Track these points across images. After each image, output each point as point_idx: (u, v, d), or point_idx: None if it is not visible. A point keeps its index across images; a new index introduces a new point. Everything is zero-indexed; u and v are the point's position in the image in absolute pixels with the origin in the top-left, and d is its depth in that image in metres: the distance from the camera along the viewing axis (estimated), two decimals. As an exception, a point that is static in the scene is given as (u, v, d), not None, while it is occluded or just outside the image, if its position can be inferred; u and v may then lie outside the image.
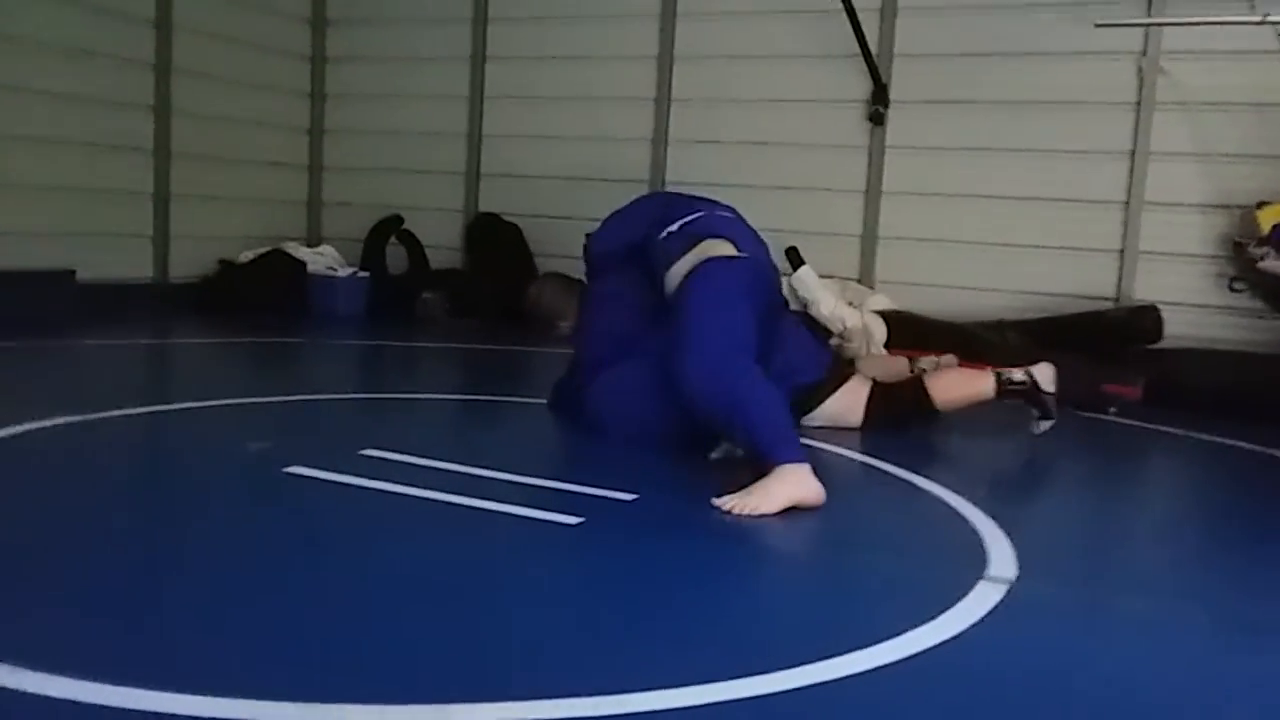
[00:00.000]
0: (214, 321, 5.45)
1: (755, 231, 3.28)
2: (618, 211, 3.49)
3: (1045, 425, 3.31)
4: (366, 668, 1.48)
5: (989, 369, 3.37)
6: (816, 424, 3.31)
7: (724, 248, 3.04)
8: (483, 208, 6.31)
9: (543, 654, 1.58)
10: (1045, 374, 3.31)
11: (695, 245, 3.05)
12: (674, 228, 3.15)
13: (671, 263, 3.07)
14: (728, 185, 5.54)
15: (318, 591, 1.79)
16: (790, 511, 2.36)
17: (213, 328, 5.32)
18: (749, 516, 2.32)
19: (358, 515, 2.25)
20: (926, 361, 3.77)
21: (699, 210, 3.23)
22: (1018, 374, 3.29)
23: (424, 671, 1.48)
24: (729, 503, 2.35)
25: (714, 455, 2.86)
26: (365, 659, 1.51)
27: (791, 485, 2.38)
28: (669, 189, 5.78)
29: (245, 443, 2.75)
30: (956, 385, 3.36)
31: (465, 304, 5.93)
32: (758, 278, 3.06)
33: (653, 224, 3.24)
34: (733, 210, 3.35)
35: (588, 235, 3.51)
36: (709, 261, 2.99)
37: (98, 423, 2.90)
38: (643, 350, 3.09)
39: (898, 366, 3.78)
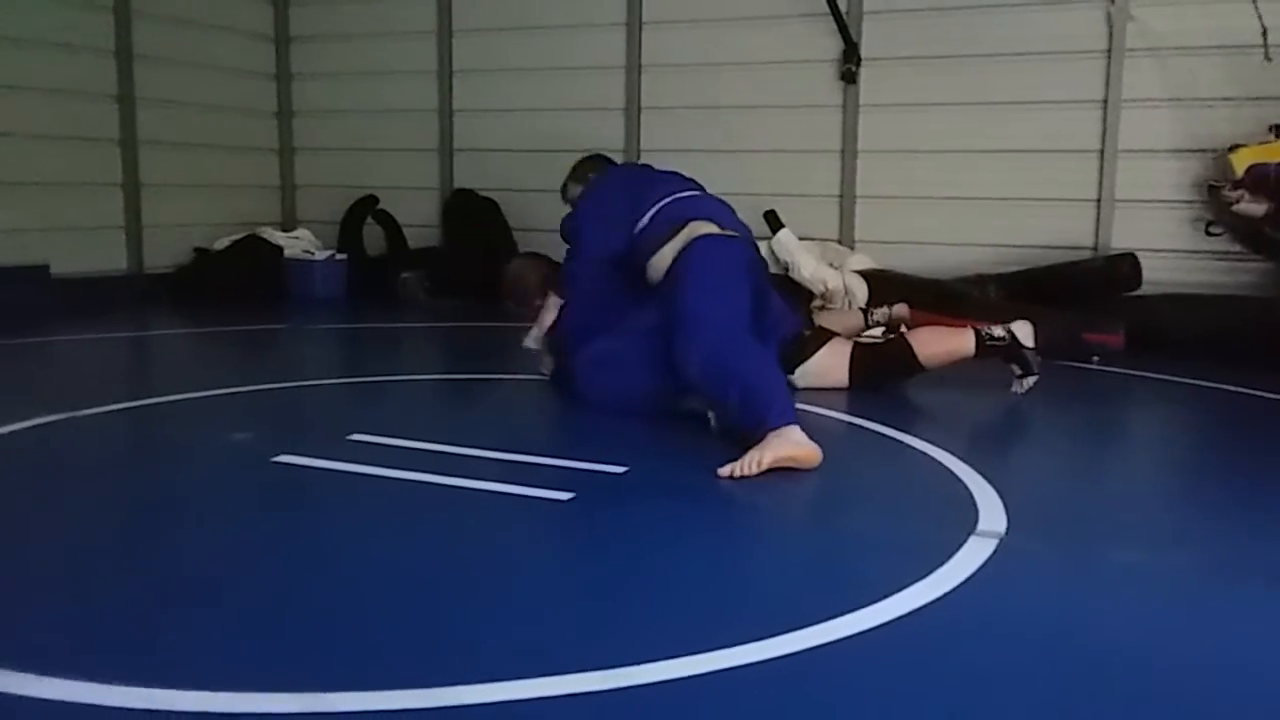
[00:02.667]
0: (192, 311, 5.41)
1: (729, 206, 3.30)
2: (589, 216, 3.38)
3: (1028, 383, 3.34)
4: (364, 654, 1.49)
5: (969, 325, 3.39)
6: (802, 384, 3.32)
7: (709, 227, 3.06)
8: (458, 184, 6.26)
9: (543, 632, 1.58)
10: (1024, 330, 3.34)
11: (679, 229, 3.07)
12: (645, 220, 3.17)
13: (655, 249, 3.09)
14: (703, 150, 5.54)
15: (313, 580, 1.79)
16: (785, 473, 2.38)
17: (191, 317, 5.28)
18: (739, 478, 2.36)
19: (349, 501, 2.25)
20: (879, 313, 3.85)
21: (668, 194, 3.24)
22: (997, 330, 3.33)
23: (422, 654, 1.48)
24: (725, 470, 2.39)
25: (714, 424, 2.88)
26: (363, 645, 1.52)
27: (776, 447, 2.41)
28: (643, 157, 5.76)
29: (230, 435, 2.74)
30: (939, 341, 3.38)
31: (445, 282, 5.89)
32: (748, 256, 3.10)
33: (628, 220, 3.22)
34: (698, 186, 3.39)
35: (565, 220, 3.50)
36: (698, 240, 3.01)
37: (81, 420, 2.88)
38: (628, 325, 3.11)
39: (853, 319, 3.81)
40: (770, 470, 2.39)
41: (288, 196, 6.66)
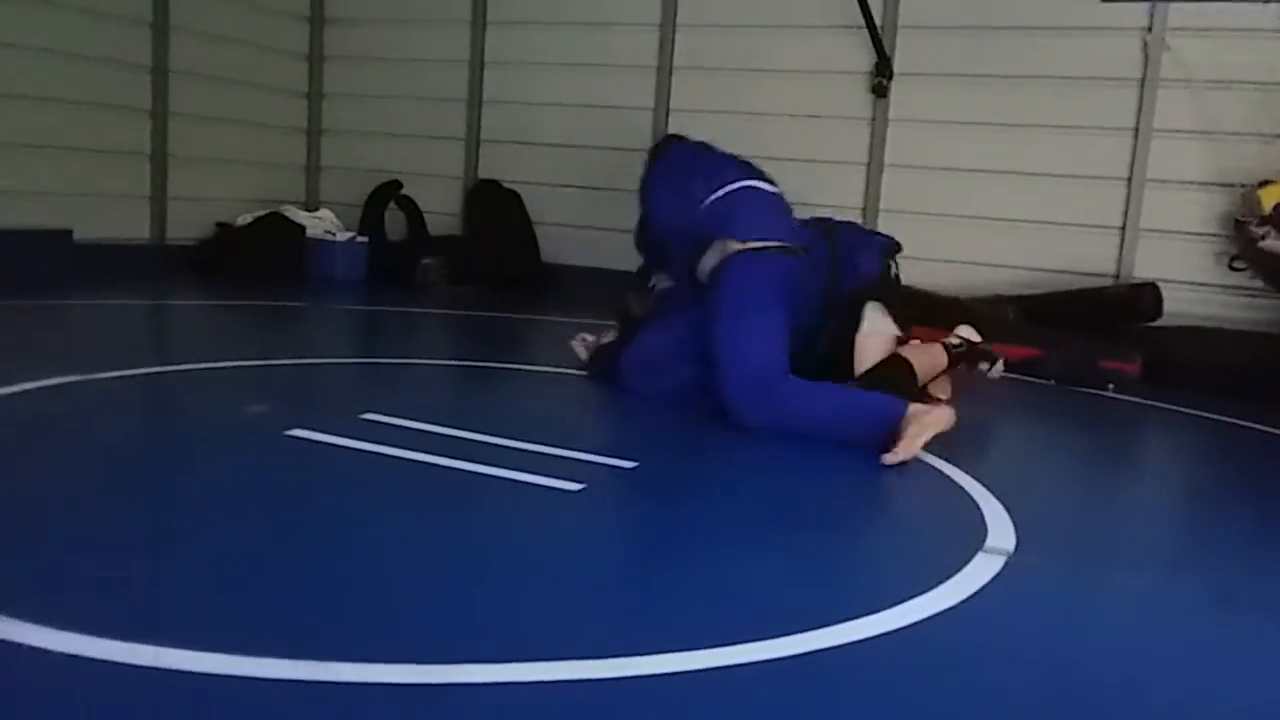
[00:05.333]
0: (211, 284, 5.43)
1: (782, 200, 3.28)
2: (654, 198, 3.36)
3: (998, 368, 3.43)
4: (368, 627, 1.49)
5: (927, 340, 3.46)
6: None
7: (741, 243, 3.05)
8: (483, 174, 6.28)
9: (545, 617, 1.58)
10: (970, 332, 3.47)
11: (716, 238, 3.07)
12: (702, 208, 3.14)
13: (703, 250, 3.09)
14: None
15: (320, 553, 1.79)
16: (797, 479, 2.37)
17: (210, 290, 5.31)
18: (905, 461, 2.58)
19: (360, 478, 2.25)
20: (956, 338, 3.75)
21: (724, 184, 3.20)
22: (953, 339, 3.42)
23: (425, 632, 1.48)
24: (888, 458, 2.59)
25: None
26: (367, 619, 1.52)
27: (920, 426, 2.60)
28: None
29: (244, 406, 2.76)
30: (927, 357, 3.38)
31: (464, 271, 5.91)
32: (788, 267, 3.07)
33: (689, 204, 3.20)
34: (754, 172, 3.34)
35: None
36: (736, 256, 3.02)
37: (97, 383, 2.89)
38: (671, 317, 3.18)
39: (938, 359, 3.50)
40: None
41: (312, 177, 6.69)
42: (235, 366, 3.30)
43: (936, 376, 3.37)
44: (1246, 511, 2.59)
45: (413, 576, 1.71)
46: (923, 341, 3.45)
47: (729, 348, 2.90)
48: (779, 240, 3.11)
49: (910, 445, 2.57)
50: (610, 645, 1.47)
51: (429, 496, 2.16)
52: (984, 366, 3.46)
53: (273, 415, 2.67)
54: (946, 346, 3.44)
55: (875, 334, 3.29)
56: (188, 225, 5.78)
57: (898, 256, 3.46)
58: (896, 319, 3.38)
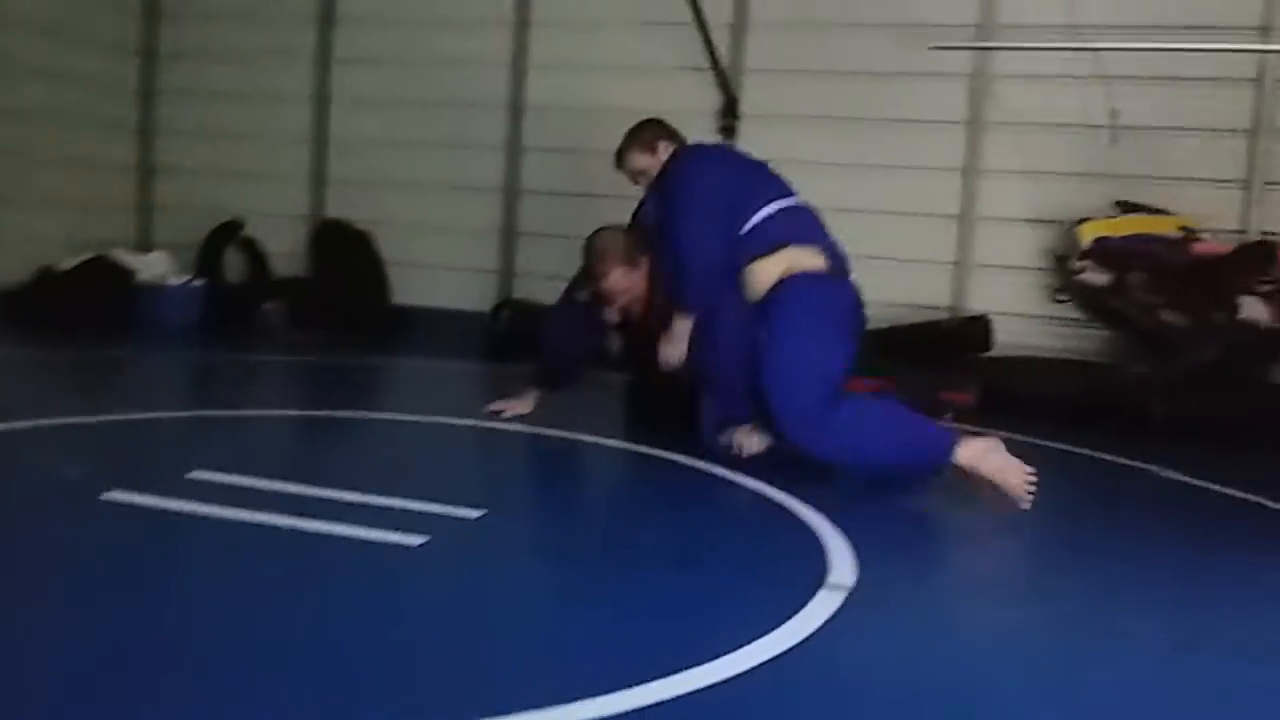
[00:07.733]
0: (31, 333, 5.08)
1: (825, 228, 3.13)
2: (700, 204, 3.04)
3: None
4: (195, 702, 1.39)
5: None
6: None
7: (810, 259, 2.94)
8: (331, 214, 6.10)
9: (385, 681, 1.51)
10: None
11: (778, 250, 2.94)
12: (748, 228, 2.98)
13: (750, 260, 2.94)
14: (582, 195, 5.54)
15: (136, 629, 1.66)
16: (638, 523, 2.35)
17: (29, 340, 4.95)
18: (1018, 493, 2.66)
19: (182, 545, 2.12)
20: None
21: (769, 200, 3.05)
22: None
23: (256, 703, 1.39)
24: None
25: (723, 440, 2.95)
26: (192, 694, 1.42)
27: (987, 463, 2.71)
28: (523, 198, 5.72)
29: (57, 468, 2.56)
30: None
31: (309, 314, 5.71)
32: (845, 295, 2.99)
33: (730, 222, 3.00)
34: (792, 191, 3.18)
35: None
36: (794, 279, 2.90)
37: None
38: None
39: None
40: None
41: (145, 217, 6.35)
42: (49, 425, 3.06)
43: None
44: (1083, 535, 2.70)
45: (241, 648, 1.60)
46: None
47: (776, 382, 2.78)
48: (828, 262, 2.99)
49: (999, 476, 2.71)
50: (445, 710, 1.41)
51: (257, 562, 2.04)
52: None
53: (89, 477, 2.49)
54: None
55: None
56: (6, 270, 5.39)
57: None
58: None
